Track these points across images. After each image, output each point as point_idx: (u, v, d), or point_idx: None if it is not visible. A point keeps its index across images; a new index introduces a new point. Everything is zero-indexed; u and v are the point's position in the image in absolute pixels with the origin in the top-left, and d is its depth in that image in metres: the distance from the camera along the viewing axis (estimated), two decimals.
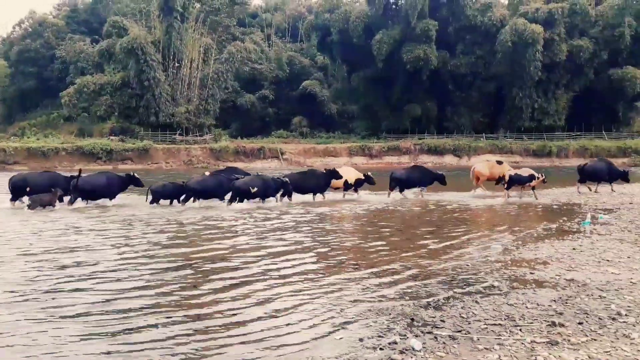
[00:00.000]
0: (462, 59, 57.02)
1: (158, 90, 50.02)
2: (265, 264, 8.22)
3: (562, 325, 5.10)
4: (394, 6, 58.80)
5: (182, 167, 37.58)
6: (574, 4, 54.49)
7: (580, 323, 5.16)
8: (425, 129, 57.49)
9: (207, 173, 17.87)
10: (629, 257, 8.22)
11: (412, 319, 5.47)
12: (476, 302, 6.09)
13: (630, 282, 6.77)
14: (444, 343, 4.76)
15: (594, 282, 6.80)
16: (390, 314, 5.72)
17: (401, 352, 4.56)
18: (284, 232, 11.35)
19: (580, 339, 4.72)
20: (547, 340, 4.70)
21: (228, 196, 16.30)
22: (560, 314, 5.52)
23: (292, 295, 6.57)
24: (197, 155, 43.05)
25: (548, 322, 5.21)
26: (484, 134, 56.23)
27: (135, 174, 17.10)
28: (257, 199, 16.44)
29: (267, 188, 16.40)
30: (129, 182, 16.72)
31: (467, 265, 8.05)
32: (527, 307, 5.83)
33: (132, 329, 5.29)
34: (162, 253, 9.12)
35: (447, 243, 10.07)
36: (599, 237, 10.17)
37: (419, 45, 53.87)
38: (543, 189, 20.40)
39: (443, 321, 5.39)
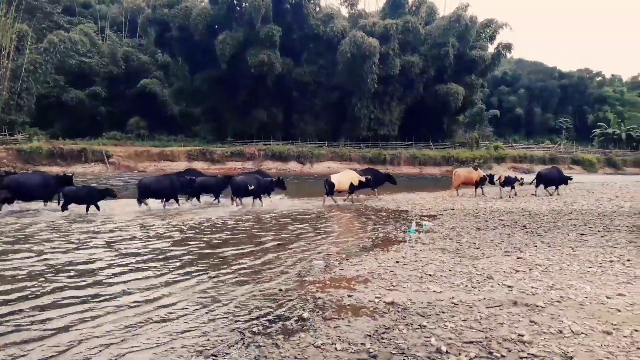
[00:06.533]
0: (306, 67, 57.44)
1: None
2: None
3: None
4: (238, 7, 57.04)
5: None
6: (407, 22, 58.36)
7: None
8: (271, 135, 56.80)
9: None
10: (450, 270, 7.66)
11: None
12: (276, 345, 4.74)
13: (452, 302, 6.04)
14: None
15: (414, 305, 5.93)
16: None
17: None
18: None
19: None
20: None
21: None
22: (374, 357, 4.40)
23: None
24: (1, 157, 36.37)
25: None
26: (326, 142, 57.30)
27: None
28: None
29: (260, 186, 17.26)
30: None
31: (280, 290, 6.73)
32: (336, 348, 4.63)
33: None
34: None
35: (267, 258, 8.76)
36: (423, 247, 9.71)
37: (264, 50, 52.99)
38: (379, 194, 20.51)
39: None
